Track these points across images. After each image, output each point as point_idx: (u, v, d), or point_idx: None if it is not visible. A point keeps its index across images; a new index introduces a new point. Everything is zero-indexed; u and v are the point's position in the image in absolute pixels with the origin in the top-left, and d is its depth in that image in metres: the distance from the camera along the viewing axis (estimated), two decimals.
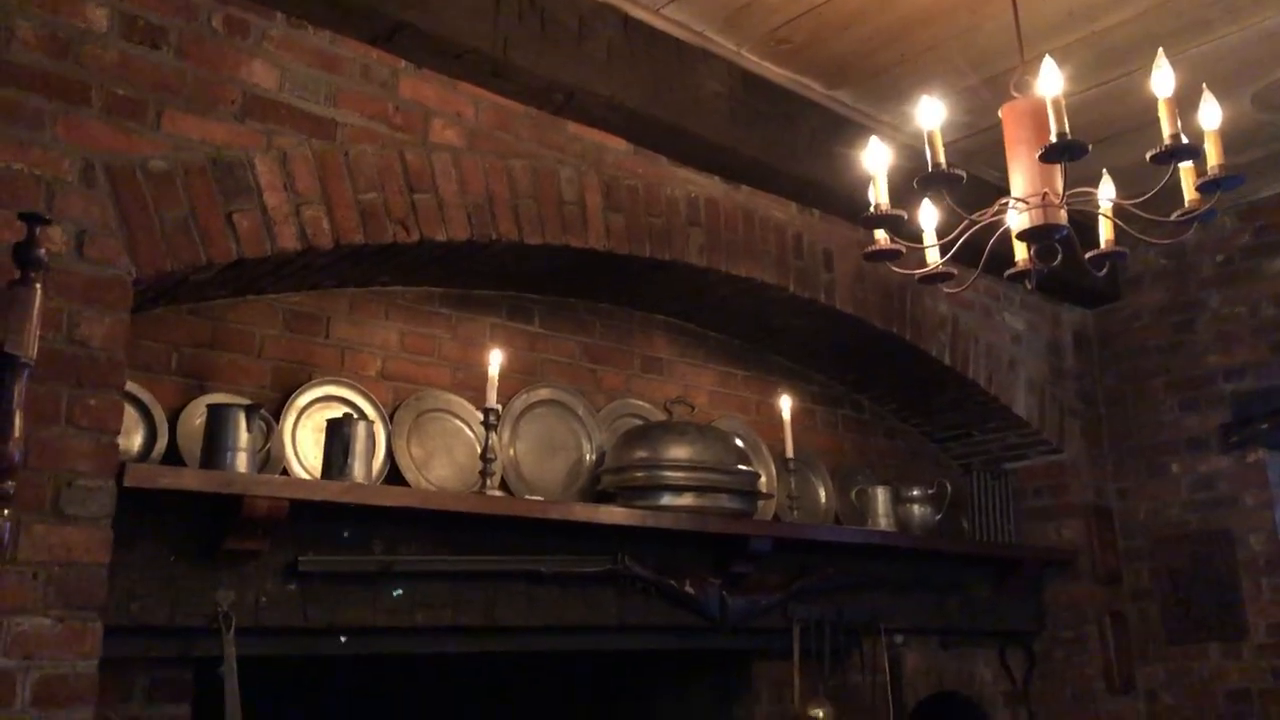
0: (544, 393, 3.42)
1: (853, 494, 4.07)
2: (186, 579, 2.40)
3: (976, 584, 4.28)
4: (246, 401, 2.59)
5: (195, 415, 2.67)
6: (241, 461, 2.46)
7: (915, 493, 4.10)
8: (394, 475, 2.98)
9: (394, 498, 2.66)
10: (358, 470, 2.69)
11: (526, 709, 3.66)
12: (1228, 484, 4.40)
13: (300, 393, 2.89)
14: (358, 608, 2.65)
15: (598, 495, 3.34)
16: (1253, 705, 4.20)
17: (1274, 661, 4.19)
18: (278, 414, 2.82)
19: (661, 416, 3.57)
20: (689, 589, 3.32)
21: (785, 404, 3.76)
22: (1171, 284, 4.68)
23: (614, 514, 3.11)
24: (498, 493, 2.99)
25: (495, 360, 3.01)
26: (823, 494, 4.07)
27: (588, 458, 3.45)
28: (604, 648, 3.22)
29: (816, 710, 3.58)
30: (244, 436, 2.48)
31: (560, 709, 3.75)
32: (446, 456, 3.14)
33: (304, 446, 2.87)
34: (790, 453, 3.70)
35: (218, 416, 2.49)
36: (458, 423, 3.20)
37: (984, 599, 4.31)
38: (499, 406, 3.00)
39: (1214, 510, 4.41)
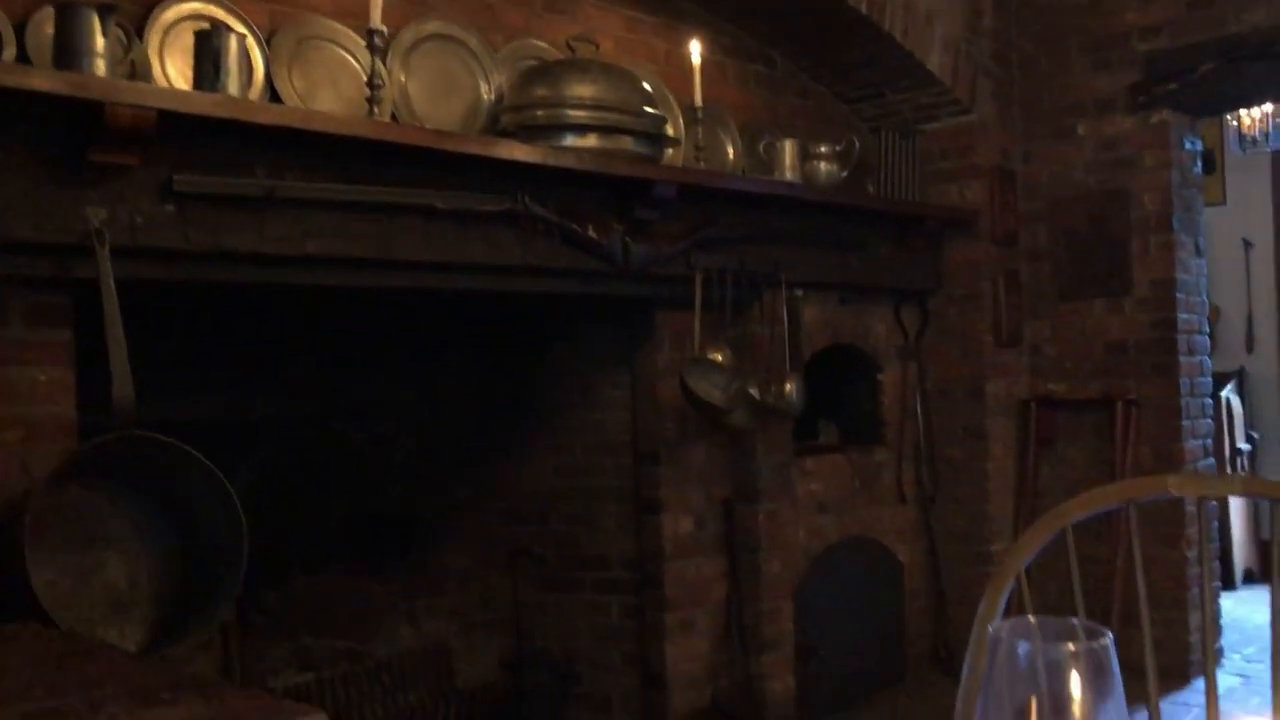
0: (434, 26, 3.20)
1: (760, 147, 3.99)
2: (52, 192, 2.25)
3: (878, 242, 4.33)
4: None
5: (44, 25, 2.42)
6: (99, 68, 2.26)
7: (823, 149, 4.04)
8: None
9: (274, 115, 2.50)
10: (232, 88, 2.50)
11: (430, 354, 3.68)
12: (1130, 145, 4.43)
13: (163, 7, 2.64)
14: (243, 234, 2.54)
15: (497, 135, 3.20)
16: (1128, 355, 4.44)
17: (1152, 315, 4.39)
18: (141, 31, 2.59)
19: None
20: (592, 233, 3.28)
21: (694, 48, 3.59)
22: None
23: (513, 150, 3.00)
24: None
25: None
26: (730, 149, 3.98)
27: (486, 99, 3.28)
28: (506, 289, 3.20)
29: (716, 354, 3.67)
30: (99, 40, 2.26)
31: (464, 354, 3.78)
32: (332, 90, 2.95)
33: (174, 71, 2.66)
34: (699, 101, 3.58)
35: (66, 17, 2.26)
36: (343, 53, 2.99)
37: (884, 257, 4.37)
38: (384, 28, 2.78)
39: (1114, 171, 4.46)
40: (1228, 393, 5.82)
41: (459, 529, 3.98)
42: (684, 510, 3.84)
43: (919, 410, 4.57)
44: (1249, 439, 5.94)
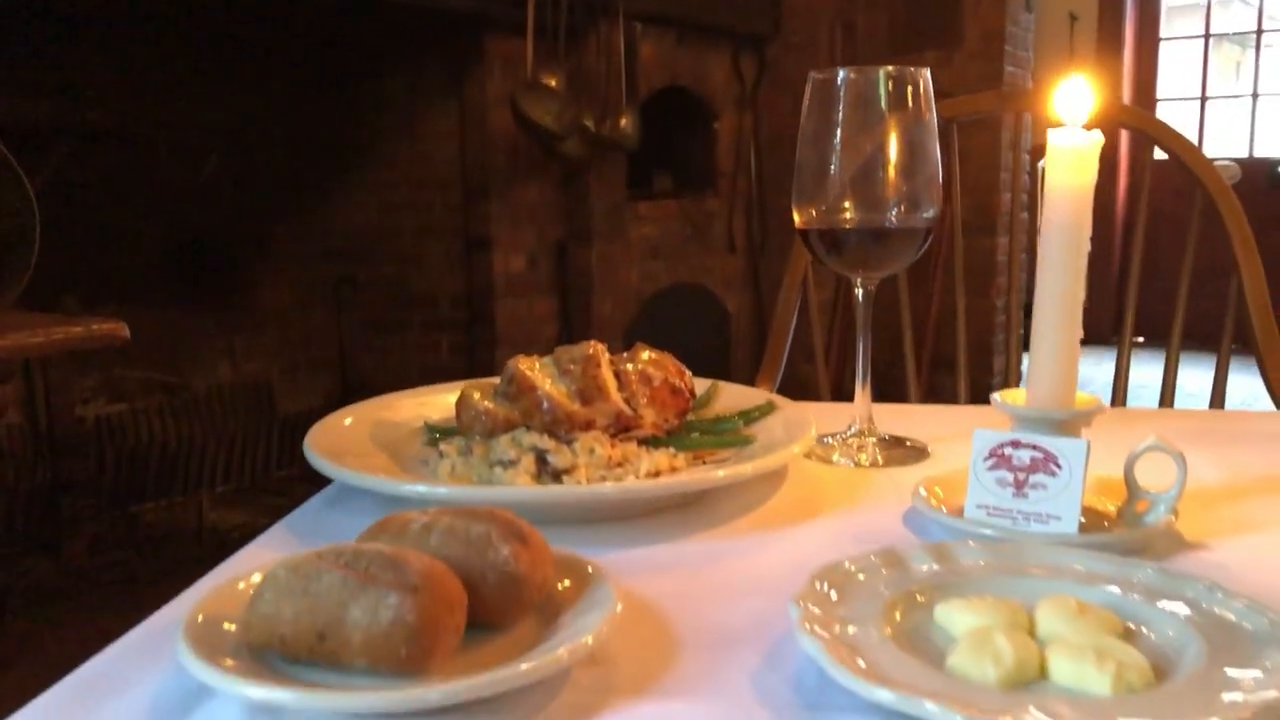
0: None
1: None
2: None
3: None
4: None
5: None
6: None
7: None
8: None
9: None
10: None
11: (245, 72, 3.41)
12: None
13: None
14: None
15: None
16: None
17: (980, 67, 4.44)
18: None
19: None
20: None
21: None
22: None
23: None
24: None
25: None
26: None
27: None
28: None
29: (550, 80, 3.54)
30: None
31: (283, 76, 3.52)
32: None
33: None
34: None
35: None
36: None
37: None
38: None
39: None
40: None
41: (279, 265, 3.81)
42: (516, 248, 3.77)
43: (752, 161, 4.57)
44: None
